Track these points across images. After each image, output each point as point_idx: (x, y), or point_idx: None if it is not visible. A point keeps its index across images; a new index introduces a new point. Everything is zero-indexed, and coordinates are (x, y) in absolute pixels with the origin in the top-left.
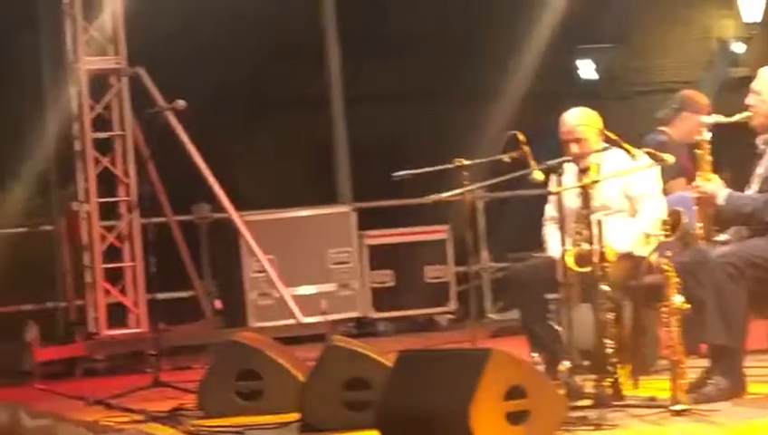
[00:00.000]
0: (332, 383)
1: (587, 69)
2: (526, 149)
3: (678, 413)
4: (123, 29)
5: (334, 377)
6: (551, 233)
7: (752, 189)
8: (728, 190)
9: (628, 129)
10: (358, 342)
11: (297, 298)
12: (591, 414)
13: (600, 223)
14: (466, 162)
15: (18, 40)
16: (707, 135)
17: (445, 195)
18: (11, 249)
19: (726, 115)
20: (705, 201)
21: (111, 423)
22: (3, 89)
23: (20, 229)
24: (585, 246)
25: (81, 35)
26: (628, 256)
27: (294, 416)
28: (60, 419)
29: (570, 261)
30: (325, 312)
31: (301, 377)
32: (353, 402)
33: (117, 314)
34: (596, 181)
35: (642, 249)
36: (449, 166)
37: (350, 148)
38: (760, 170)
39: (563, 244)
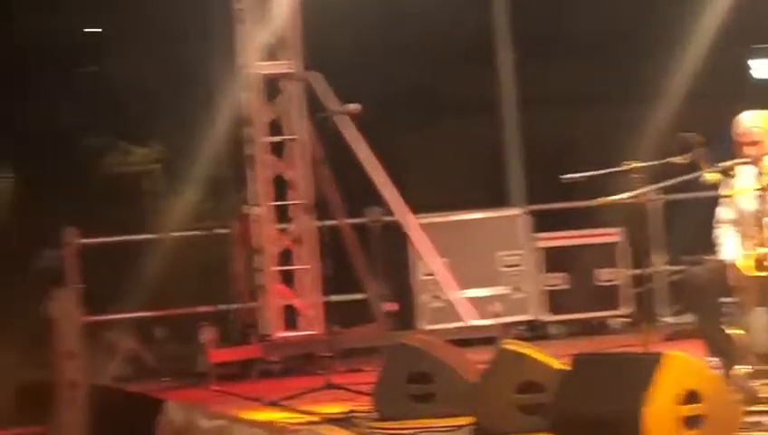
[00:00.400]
0: (505, 386)
1: (762, 69)
2: (699, 150)
3: None
4: (297, 33)
5: (506, 380)
6: (724, 236)
7: None
8: None
9: None
10: (529, 345)
11: (468, 301)
12: (767, 419)
13: None
14: (638, 164)
15: (191, 45)
16: None
17: (616, 197)
18: (186, 252)
19: None
20: None
21: (286, 424)
22: (176, 93)
23: (195, 232)
24: (761, 250)
25: (253, 40)
26: None
27: (466, 419)
28: (235, 419)
29: (748, 265)
30: (497, 314)
31: (472, 380)
32: (526, 406)
33: (291, 317)
34: None
35: None
36: (621, 168)
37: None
38: None
39: (738, 247)
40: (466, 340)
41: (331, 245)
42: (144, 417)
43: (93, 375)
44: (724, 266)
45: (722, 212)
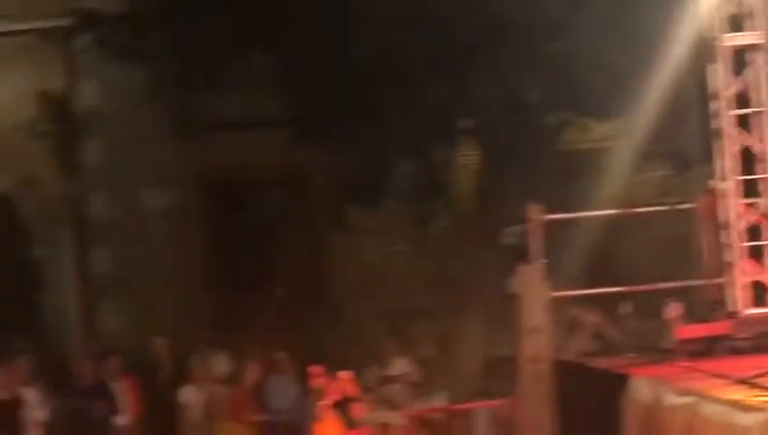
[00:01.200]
0: None
1: None
2: None
3: None
4: (764, 3)
5: None
6: None
7: None
8: None
9: None
10: None
11: None
12: None
13: None
14: None
15: (651, 17)
16: None
17: None
18: (650, 227)
19: None
20: None
21: (756, 403)
22: (637, 67)
23: (658, 208)
24: None
25: (719, 11)
26: None
27: None
28: (703, 396)
29: None
30: None
31: None
32: None
33: (760, 293)
34: None
35: None
36: None
37: None
38: None
39: None
40: None
41: None
42: (608, 392)
43: (557, 350)
44: None
45: None
